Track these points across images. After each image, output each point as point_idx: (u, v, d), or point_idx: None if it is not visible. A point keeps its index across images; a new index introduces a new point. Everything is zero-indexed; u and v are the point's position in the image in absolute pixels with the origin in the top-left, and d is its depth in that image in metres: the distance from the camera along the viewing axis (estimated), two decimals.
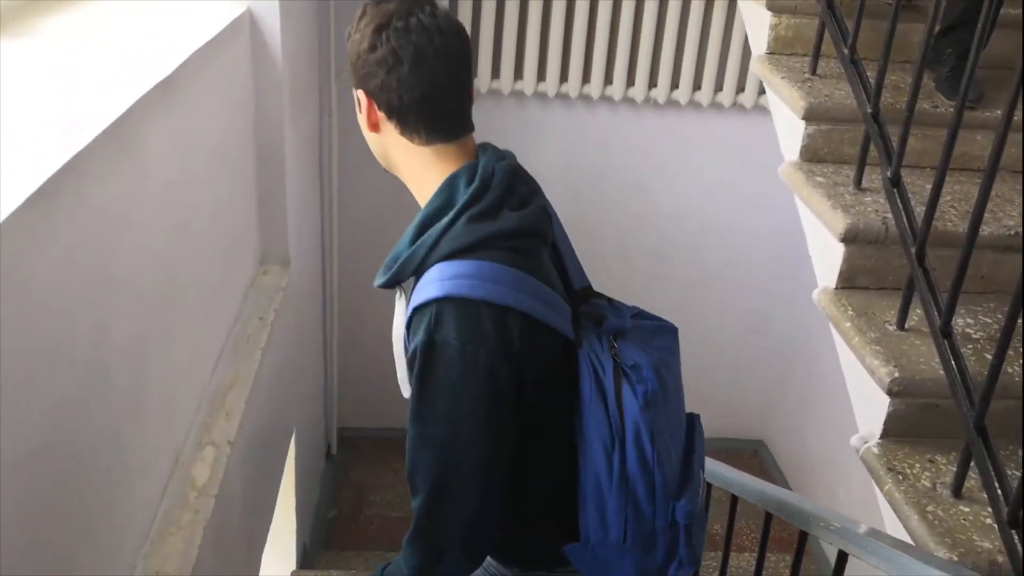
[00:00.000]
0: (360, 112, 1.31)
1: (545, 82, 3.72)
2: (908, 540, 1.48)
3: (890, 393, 1.58)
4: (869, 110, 1.81)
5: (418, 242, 1.25)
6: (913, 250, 1.62)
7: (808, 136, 1.98)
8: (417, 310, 1.23)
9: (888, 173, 1.71)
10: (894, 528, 1.53)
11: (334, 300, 3.91)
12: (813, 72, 2.09)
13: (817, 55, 2.08)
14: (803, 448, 4.28)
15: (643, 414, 1.25)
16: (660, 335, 1.39)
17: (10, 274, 1.07)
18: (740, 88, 3.84)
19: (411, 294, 1.26)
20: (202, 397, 2.15)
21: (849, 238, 1.77)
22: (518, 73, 3.72)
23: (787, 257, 4.23)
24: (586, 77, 3.76)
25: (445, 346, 1.20)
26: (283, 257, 2.87)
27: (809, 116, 1.96)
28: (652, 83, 3.80)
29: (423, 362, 1.22)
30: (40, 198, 1.13)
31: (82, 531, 1.38)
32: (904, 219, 1.67)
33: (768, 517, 1.72)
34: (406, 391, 1.31)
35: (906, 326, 1.70)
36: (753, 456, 4.63)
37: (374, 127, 1.31)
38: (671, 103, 3.84)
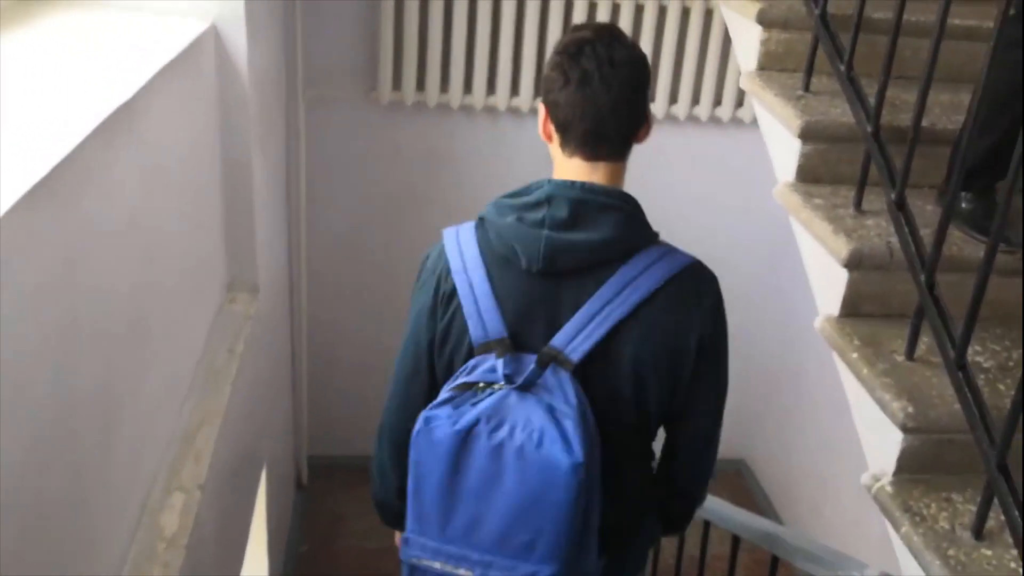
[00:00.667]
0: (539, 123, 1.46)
1: (519, 97, 3.63)
2: None
3: (904, 429, 1.50)
4: (869, 129, 1.73)
5: None
6: (923, 277, 1.54)
7: (804, 156, 1.90)
8: None
9: (892, 196, 1.64)
10: (912, 572, 1.45)
11: (303, 326, 3.78)
12: (806, 89, 2.01)
13: (810, 71, 2.00)
14: (788, 468, 4.21)
15: (416, 439, 1.33)
16: (539, 445, 1.28)
17: None
18: (718, 101, 3.78)
19: None
20: (170, 438, 2.02)
21: (853, 264, 1.69)
22: (490, 88, 3.63)
23: (770, 273, 4.17)
24: None
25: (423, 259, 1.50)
26: (251, 284, 2.75)
27: (805, 135, 1.88)
28: None
29: None
30: None
31: None
32: (911, 244, 1.59)
33: (775, 560, 1.63)
34: None
35: (915, 356, 1.62)
36: (736, 477, 4.55)
37: (548, 137, 1.45)
38: None
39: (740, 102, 3.79)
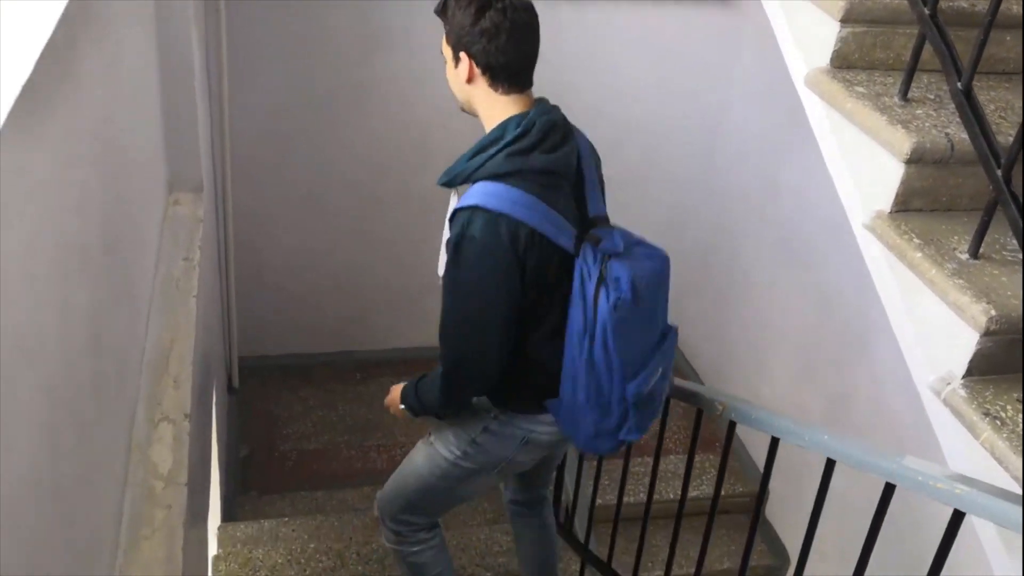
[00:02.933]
0: (455, 68, 1.70)
1: None
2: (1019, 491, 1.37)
3: (986, 333, 1.44)
4: (927, 12, 1.62)
5: (471, 161, 1.66)
6: (999, 172, 1.46)
7: (841, 40, 1.78)
8: (458, 211, 1.65)
9: (959, 84, 1.54)
10: (992, 477, 1.42)
11: (230, 224, 3.49)
12: None
13: None
14: (721, 347, 4.25)
15: (610, 315, 1.65)
16: (652, 260, 1.77)
17: None
18: None
19: (460, 198, 1.67)
20: (140, 363, 1.82)
21: (915, 158, 1.60)
22: None
23: (706, 154, 4.10)
24: None
25: (472, 241, 1.63)
26: (195, 183, 2.49)
27: (847, 17, 1.75)
28: None
29: (455, 249, 1.65)
30: None
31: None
32: (981, 137, 1.51)
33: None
34: (442, 270, 1.72)
35: (979, 253, 1.57)
36: None
37: (470, 80, 1.69)
38: None
39: None
